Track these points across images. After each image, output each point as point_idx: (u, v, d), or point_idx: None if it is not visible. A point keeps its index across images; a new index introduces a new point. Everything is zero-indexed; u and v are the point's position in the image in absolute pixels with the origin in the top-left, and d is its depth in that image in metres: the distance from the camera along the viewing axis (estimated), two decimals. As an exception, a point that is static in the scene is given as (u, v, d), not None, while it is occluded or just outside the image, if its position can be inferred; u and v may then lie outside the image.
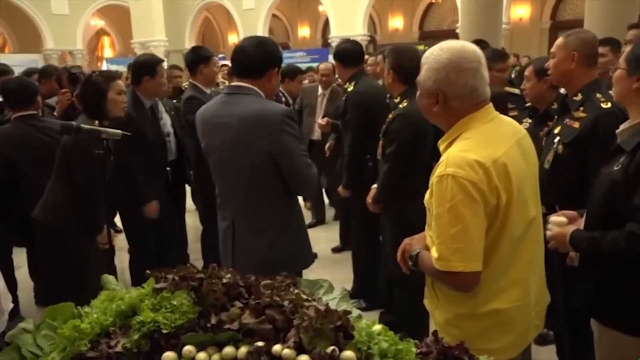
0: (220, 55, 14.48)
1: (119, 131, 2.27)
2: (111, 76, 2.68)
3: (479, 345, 1.37)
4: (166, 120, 3.43)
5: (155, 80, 3.22)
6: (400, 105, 2.76)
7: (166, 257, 3.40)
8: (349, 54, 3.33)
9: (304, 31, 19.49)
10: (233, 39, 18.64)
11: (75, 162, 2.44)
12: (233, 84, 2.09)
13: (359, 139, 3.08)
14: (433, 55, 1.44)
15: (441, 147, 1.50)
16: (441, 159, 1.42)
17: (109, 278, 1.40)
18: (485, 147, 1.39)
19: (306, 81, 6.23)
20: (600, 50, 2.38)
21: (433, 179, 1.41)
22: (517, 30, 14.79)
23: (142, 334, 1.09)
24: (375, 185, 2.98)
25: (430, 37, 16.12)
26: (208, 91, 3.65)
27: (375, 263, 3.14)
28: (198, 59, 3.57)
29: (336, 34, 14.82)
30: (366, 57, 5.55)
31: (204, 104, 3.44)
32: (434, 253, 1.41)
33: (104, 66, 15.32)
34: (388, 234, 2.90)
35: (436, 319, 1.59)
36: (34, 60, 14.04)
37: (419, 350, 1.06)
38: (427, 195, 1.46)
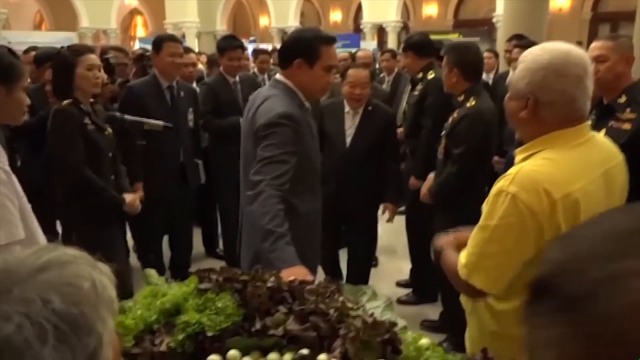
0: (251, 38, 14.48)
1: (161, 122, 2.26)
2: (80, 50, 2.43)
3: None
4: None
5: (160, 56, 3.18)
6: (468, 105, 2.67)
7: (172, 240, 3.53)
8: (426, 45, 3.36)
9: (335, 16, 19.26)
10: (264, 22, 18.55)
11: (51, 129, 2.35)
12: (275, 75, 2.07)
13: (438, 124, 2.94)
14: (532, 55, 1.31)
15: (517, 157, 1.37)
16: (510, 170, 1.30)
17: (151, 272, 1.41)
18: (563, 175, 1.25)
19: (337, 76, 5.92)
20: None
21: (494, 189, 1.30)
22: (556, 21, 14.31)
23: (187, 335, 1.09)
24: (432, 175, 2.85)
25: (465, 25, 15.73)
26: (231, 80, 3.68)
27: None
28: (218, 49, 3.74)
29: (368, 20, 14.61)
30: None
31: (212, 89, 3.60)
32: (462, 258, 1.34)
33: (137, 45, 15.46)
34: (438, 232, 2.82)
35: (471, 328, 1.54)
36: (69, 38, 14.22)
37: (467, 368, 1.03)
38: (485, 201, 1.36)
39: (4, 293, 0.46)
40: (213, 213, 4.13)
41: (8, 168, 1.58)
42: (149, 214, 2.98)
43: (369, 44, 12.50)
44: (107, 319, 0.51)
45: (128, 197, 2.57)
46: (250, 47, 7.54)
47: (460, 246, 1.46)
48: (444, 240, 1.55)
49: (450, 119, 2.73)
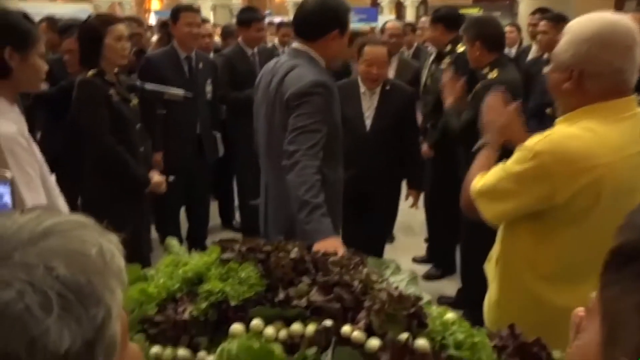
0: (267, 12, 14.29)
1: (181, 91, 2.24)
2: (109, 20, 2.40)
3: None
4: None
5: (177, 27, 3.16)
6: (489, 76, 2.65)
7: (189, 212, 3.57)
8: (456, 18, 3.33)
9: (352, -11, 18.95)
10: (280, -5, 18.33)
11: (76, 101, 2.33)
12: (293, 45, 2.02)
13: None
14: (577, 25, 1.29)
15: (557, 126, 1.37)
16: (546, 132, 1.32)
17: (172, 241, 1.40)
18: (595, 147, 1.25)
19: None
20: None
21: (526, 142, 1.33)
22: (580, -5, 13.88)
23: (210, 304, 1.09)
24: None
25: (486, -1, 15.34)
26: (250, 52, 3.65)
27: (453, 228, 3.07)
28: (241, 21, 3.73)
29: (386, -7, 14.33)
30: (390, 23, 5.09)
31: (229, 61, 3.60)
32: (479, 181, 1.42)
33: (152, 18, 15.36)
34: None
35: (491, 296, 1.54)
36: (85, 10, 14.19)
37: (493, 344, 1.01)
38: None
39: (3, 259, 0.43)
40: (230, 185, 4.13)
41: (28, 135, 1.58)
42: (167, 184, 2.97)
43: (387, 18, 12.23)
44: (116, 291, 0.47)
45: (155, 178, 2.52)
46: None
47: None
48: (502, 123, 1.53)
49: (473, 91, 2.72)
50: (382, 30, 4.79)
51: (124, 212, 2.40)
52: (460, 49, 3.22)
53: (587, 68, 1.26)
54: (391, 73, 3.69)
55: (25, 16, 1.66)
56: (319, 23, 1.90)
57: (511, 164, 1.35)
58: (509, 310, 1.45)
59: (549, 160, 1.26)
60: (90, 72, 2.33)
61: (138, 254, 2.33)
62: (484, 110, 1.59)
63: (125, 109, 2.39)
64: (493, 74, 2.64)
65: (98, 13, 2.49)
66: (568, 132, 1.29)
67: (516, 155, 1.35)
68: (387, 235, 3.41)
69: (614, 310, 0.44)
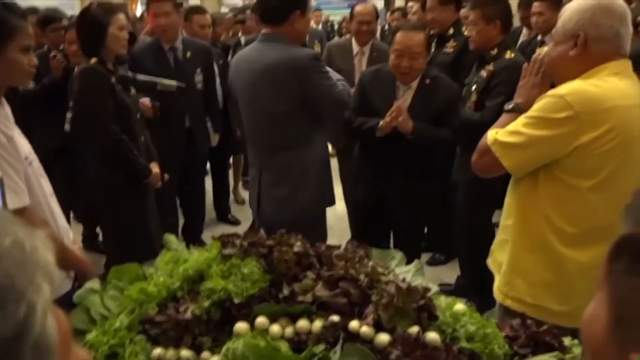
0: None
1: (174, 82, 2.18)
2: (111, 9, 2.35)
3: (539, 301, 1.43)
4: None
5: (149, 18, 3.12)
6: (507, 57, 2.53)
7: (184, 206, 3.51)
8: None
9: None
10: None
11: (80, 89, 2.30)
12: (263, 31, 2.05)
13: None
14: None
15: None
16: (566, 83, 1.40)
17: (170, 237, 1.37)
18: (614, 92, 1.34)
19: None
20: None
21: (547, 93, 1.41)
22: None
23: (212, 302, 1.06)
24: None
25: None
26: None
27: (452, 209, 2.99)
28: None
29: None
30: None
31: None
32: (496, 131, 1.44)
33: (138, 9, 15.11)
34: (464, 183, 2.63)
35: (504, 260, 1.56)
36: (70, 1, 13.86)
37: (505, 334, 0.99)
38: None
39: None
40: (225, 178, 4.07)
41: (11, 132, 1.49)
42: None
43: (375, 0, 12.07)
44: (42, 286, 0.42)
45: (155, 169, 2.46)
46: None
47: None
48: (530, 87, 1.55)
49: (485, 73, 2.55)
50: (352, 15, 3.55)
51: (132, 203, 2.35)
52: (472, 31, 2.76)
53: (591, 32, 1.36)
54: (363, 63, 3.18)
55: (5, 5, 1.54)
56: (279, 7, 1.96)
57: (533, 110, 1.39)
58: (524, 270, 1.48)
59: (574, 99, 1.32)
60: (93, 60, 2.27)
61: (150, 246, 2.27)
62: (522, 74, 1.61)
63: (127, 98, 2.32)
64: (510, 55, 2.54)
65: (99, 2, 2.38)
66: (587, 82, 1.37)
67: (538, 103, 1.39)
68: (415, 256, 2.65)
69: (625, 298, 0.44)
